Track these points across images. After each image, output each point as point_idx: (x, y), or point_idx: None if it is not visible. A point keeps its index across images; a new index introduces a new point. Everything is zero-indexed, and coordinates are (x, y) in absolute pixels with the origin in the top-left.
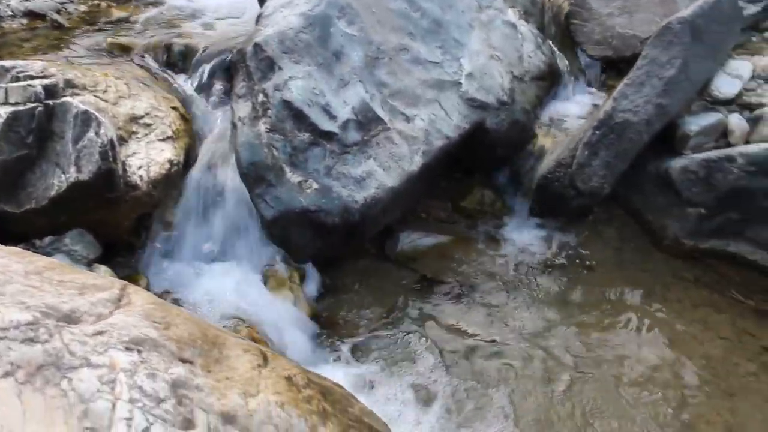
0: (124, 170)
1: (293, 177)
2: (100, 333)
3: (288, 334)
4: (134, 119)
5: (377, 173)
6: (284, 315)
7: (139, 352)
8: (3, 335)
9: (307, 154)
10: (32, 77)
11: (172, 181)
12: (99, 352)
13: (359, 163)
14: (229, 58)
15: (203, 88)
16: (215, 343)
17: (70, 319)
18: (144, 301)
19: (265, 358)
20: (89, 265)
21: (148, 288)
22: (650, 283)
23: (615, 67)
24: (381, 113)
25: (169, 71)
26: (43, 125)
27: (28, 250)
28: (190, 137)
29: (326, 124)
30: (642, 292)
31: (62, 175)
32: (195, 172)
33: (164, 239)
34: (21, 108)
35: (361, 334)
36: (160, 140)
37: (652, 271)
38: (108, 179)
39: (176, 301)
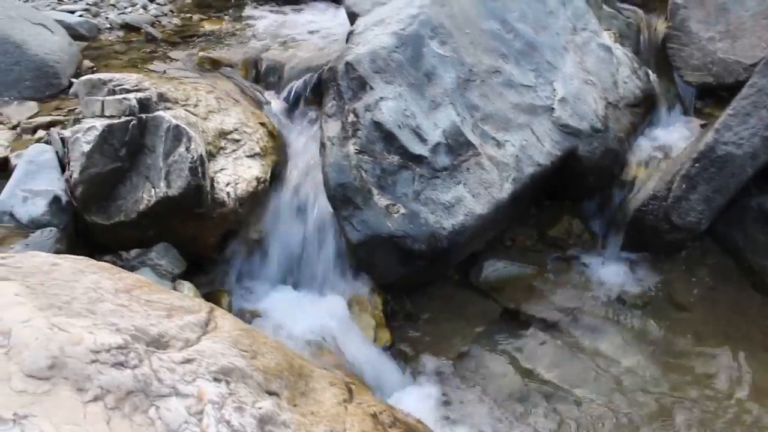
0: (212, 186)
1: (381, 200)
2: (188, 361)
3: (370, 362)
4: (223, 134)
5: (466, 200)
6: (367, 341)
7: (227, 383)
8: (95, 358)
9: (396, 177)
10: (128, 90)
11: (259, 198)
12: (187, 381)
13: (448, 188)
14: (319, 75)
15: (292, 105)
16: (301, 374)
17: (159, 343)
18: (231, 326)
19: (350, 392)
20: (173, 280)
21: (230, 307)
22: (748, 328)
23: (713, 94)
24: (472, 137)
25: (257, 87)
26: (136, 139)
27: (115, 263)
28: (278, 155)
29: (416, 147)
30: (739, 337)
31: (152, 190)
32: (281, 191)
33: (247, 258)
34: (116, 121)
35: (443, 366)
36: (248, 156)
37: (750, 314)
38: (196, 195)
39: (257, 322)
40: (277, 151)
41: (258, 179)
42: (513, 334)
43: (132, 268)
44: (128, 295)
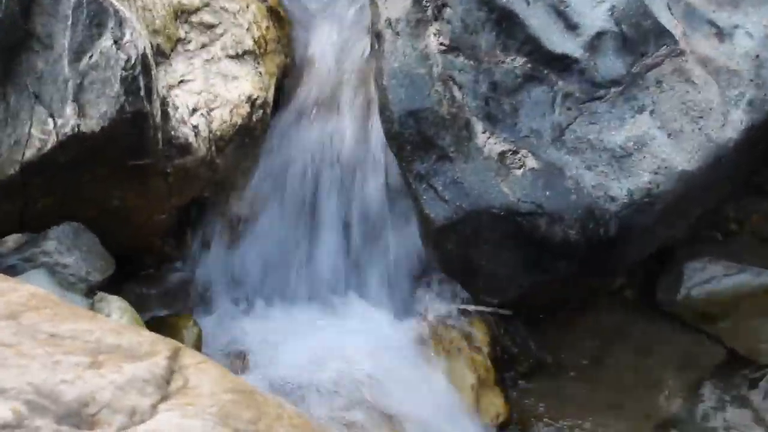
0: (165, 115)
1: (490, 143)
2: None
3: None
4: (184, 14)
5: (656, 142)
6: (454, 408)
7: None
8: None
9: (518, 98)
10: None
11: (253, 139)
12: None
13: (621, 121)
14: None
15: None
16: None
17: (81, 418)
18: (213, 383)
19: None
20: (90, 293)
21: (199, 344)
22: None
23: None
24: (666, 20)
25: None
26: (13, 21)
27: None
28: (287, 54)
29: (559, 40)
30: None
31: (49, 121)
32: (294, 126)
33: (230, 251)
34: None
35: None
36: (230, 58)
37: None
38: (135, 132)
39: (254, 375)
40: (286, 48)
41: (252, 101)
42: (746, 406)
43: (9, 271)
44: (16, 324)
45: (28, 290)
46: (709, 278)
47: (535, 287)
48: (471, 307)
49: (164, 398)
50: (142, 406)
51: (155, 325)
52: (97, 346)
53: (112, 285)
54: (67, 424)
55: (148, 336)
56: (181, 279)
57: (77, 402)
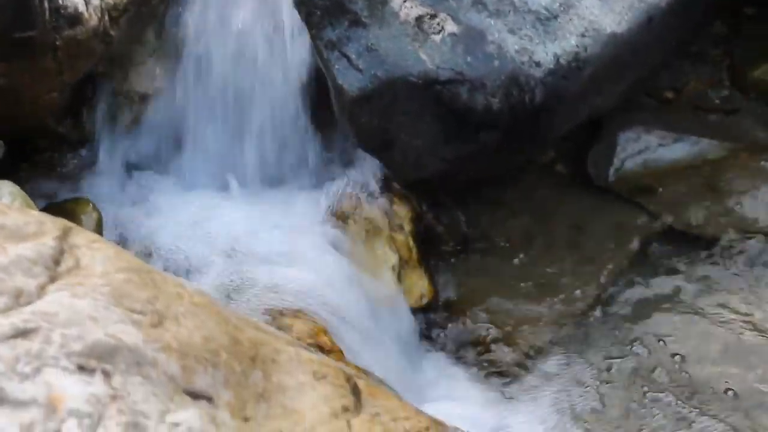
0: None
1: (406, 7)
2: (24, 333)
3: (384, 333)
4: None
5: (584, 3)
6: (378, 294)
7: (106, 375)
8: None
9: None
10: None
11: (150, 8)
12: (24, 375)
13: None
14: None
15: None
16: (256, 358)
17: None
18: (108, 263)
19: (356, 393)
20: None
21: (99, 228)
22: None
23: None
24: None
25: None
26: None
27: None
28: None
29: None
30: None
31: None
32: None
33: (129, 129)
34: None
35: (528, 344)
36: None
37: None
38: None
39: (158, 258)
40: None
41: None
42: (680, 276)
43: None
44: None
45: None
46: (643, 148)
47: (458, 161)
48: (391, 185)
49: (53, 279)
50: (29, 288)
51: (51, 211)
52: None
53: (3, 170)
54: None
55: (36, 215)
56: (78, 162)
57: None
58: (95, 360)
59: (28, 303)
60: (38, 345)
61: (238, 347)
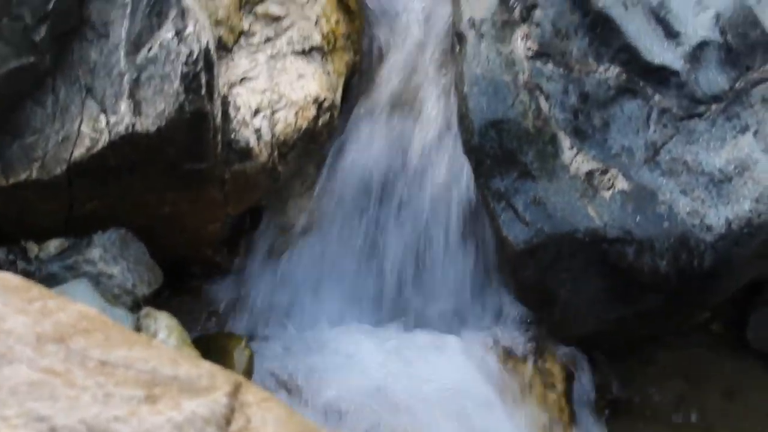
0: (226, 116)
1: (577, 161)
2: None
3: None
4: (248, 4)
5: (760, 167)
6: None
7: None
8: None
9: (610, 112)
10: None
11: (318, 142)
12: None
13: (721, 141)
14: None
15: None
16: None
17: None
18: (279, 424)
19: None
20: (135, 307)
21: (251, 365)
22: None
23: None
24: None
25: None
26: (69, 6)
27: (17, 268)
28: (356, 50)
29: (657, 50)
30: None
31: (101, 117)
32: (361, 129)
33: (284, 262)
34: None
35: None
36: (296, 54)
37: None
38: (195, 133)
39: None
40: (356, 45)
41: (319, 104)
42: None
43: (49, 280)
44: (64, 348)
45: (77, 310)
46: None
47: (619, 321)
48: (548, 343)
49: None
50: None
51: (204, 344)
52: (152, 377)
53: (157, 297)
54: None
55: (207, 367)
56: (230, 293)
57: None
58: None
59: None
60: None
61: None
